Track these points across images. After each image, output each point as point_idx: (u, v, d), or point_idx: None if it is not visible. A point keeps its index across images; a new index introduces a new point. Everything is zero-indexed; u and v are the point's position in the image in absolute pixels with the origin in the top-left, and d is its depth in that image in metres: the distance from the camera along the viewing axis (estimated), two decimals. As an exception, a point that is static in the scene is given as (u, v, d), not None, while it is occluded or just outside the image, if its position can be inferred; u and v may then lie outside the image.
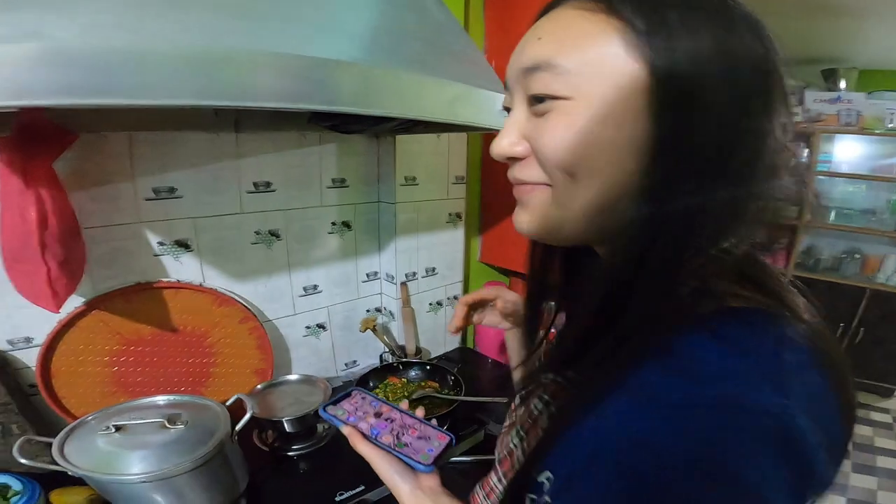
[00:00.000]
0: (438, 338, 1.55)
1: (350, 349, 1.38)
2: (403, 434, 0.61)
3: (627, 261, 0.34)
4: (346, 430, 0.60)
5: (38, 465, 0.66)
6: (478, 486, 0.58)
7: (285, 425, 0.95)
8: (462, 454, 1.01)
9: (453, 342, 1.61)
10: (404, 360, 1.25)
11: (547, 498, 0.33)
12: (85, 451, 0.66)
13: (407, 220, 1.32)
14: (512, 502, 0.40)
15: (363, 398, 0.67)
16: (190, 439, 0.68)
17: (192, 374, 1.01)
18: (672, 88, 0.32)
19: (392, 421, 0.64)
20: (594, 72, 0.33)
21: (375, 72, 0.56)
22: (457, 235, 1.48)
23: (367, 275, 1.36)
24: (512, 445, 0.48)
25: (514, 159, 0.40)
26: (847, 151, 3.23)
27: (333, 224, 1.24)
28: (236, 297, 1.07)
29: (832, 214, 3.25)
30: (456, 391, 1.12)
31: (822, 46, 2.91)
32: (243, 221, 1.07)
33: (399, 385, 1.16)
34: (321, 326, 1.28)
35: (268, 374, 1.09)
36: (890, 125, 2.94)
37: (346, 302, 1.32)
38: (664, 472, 0.26)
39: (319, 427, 1.05)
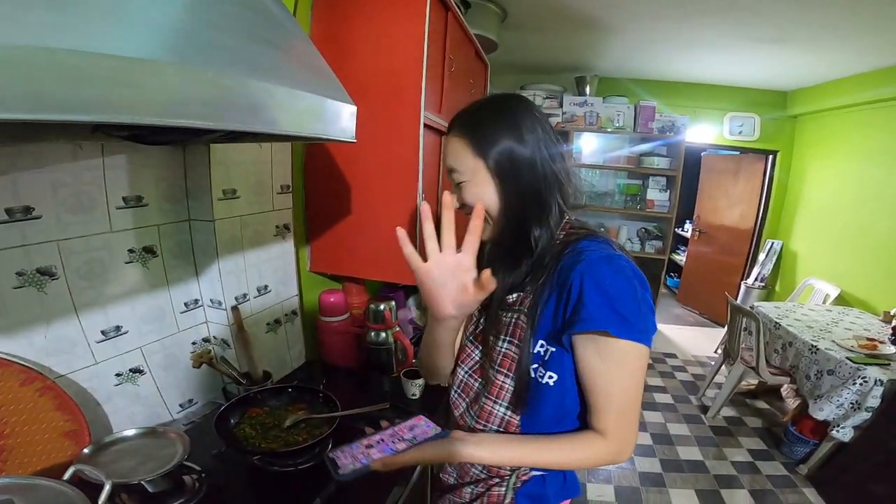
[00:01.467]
0: (283, 357, 1.48)
1: (182, 389, 1.21)
2: (404, 436, 0.72)
3: (513, 235, 0.77)
4: (376, 465, 0.67)
5: None
6: (483, 400, 0.80)
7: (146, 486, 0.81)
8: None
9: (299, 360, 1.55)
10: (261, 388, 1.16)
11: (551, 349, 0.72)
12: None
13: (230, 238, 1.22)
14: (524, 381, 0.74)
15: (341, 451, 0.70)
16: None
17: (-30, 455, 0.77)
18: (495, 169, 0.74)
19: (383, 441, 0.72)
20: (469, 169, 0.76)
21: (225, 81, 0.52)
22: (287, 248, 1.43)
23: (186, 304, 1.21)
24: (504, 350, 0.78)
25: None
26: (589, 145, 4.15)
27: (131, 252, 1.06)
28: (5, 357, 0.84)
29: (584, 198, 4.15)
30: (330, 407, 1.09)
31: (578, 57, 3.65)
32: (-6, 261, 0.83)
33: (263, 415, 1.08)
34: (137, 371, 1.09)
35: (83, 436, 0.89)
36: (617, 124, 3.89)
37: (163, 339, 1.15)
38: (603, 280, 0.67)
39: (188, 479, 0.92)
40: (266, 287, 1.37)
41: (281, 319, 1.44)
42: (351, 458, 0.67)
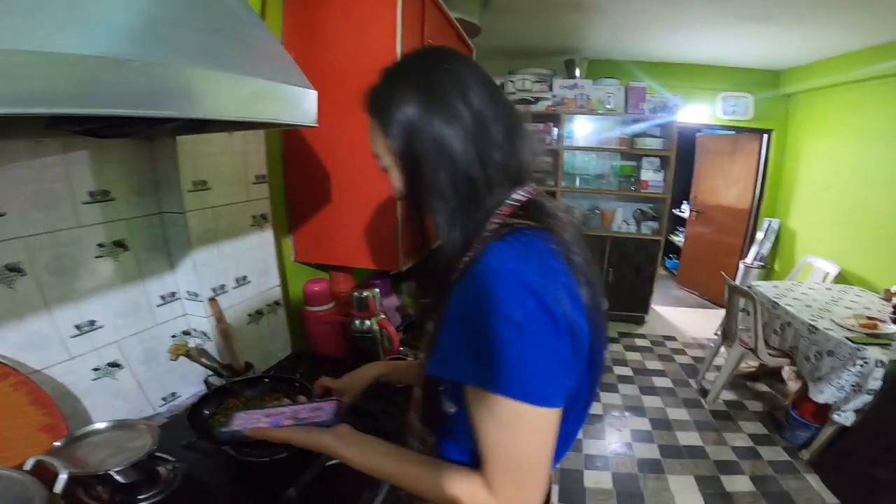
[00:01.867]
0: (268, 348, 1.48)
1: (164, 382, 1.21)
2: (300, 415, 0.71)
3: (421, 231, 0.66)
4: (249, 432, 0.67)
5: None
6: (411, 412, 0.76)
7: (117, 477, 0.82)
8: None
9: (286, 350, 1.55)
10: (236, 378, 1.16)
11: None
12: None
13: (203, 230, 1.21)
14: (428, 400, 0.67)
15: (247, 414, 0.72)
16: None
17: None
18: (395, 149, 0.62)
19: (283, 413, 0.72)
20: (384, 153, 0.65)
21: (156, 69, 0.51)
22: (265, 238, 1.42)
23: (163, 297, 1.21)
24: (421, 360, 0.72)
25: None
26: (582, 129, 4.12)
27: (101, 246, 1.05)
28: (-23, 353, 0.85)
29: (577, 180, 4.12)
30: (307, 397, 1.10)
31: (566, 39, 3.62)
32: (-41, 259, 0.83)
33: (241, 405, 1.09)
34: (115, 365, 1.09)
35: (60, 429, 0.90)
36: (609, 106, 3.86)
37: (140, 332, 1.15)
38: (470, 308, 0.52)
39: (162, 470, 0.93)
40: (245, 278, 1.36)
41: (263, 310, 1.44)
42: (244, 422, 0.69)
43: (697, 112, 4.32)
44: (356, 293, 1.47)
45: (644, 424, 2.78)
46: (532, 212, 0.60)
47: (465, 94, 0.58)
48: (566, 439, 0.64)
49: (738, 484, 2.26)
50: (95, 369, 1.06)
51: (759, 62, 3.97)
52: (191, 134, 1.08)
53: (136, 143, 1.09)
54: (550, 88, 3.90)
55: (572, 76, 3.95)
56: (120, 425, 0.93)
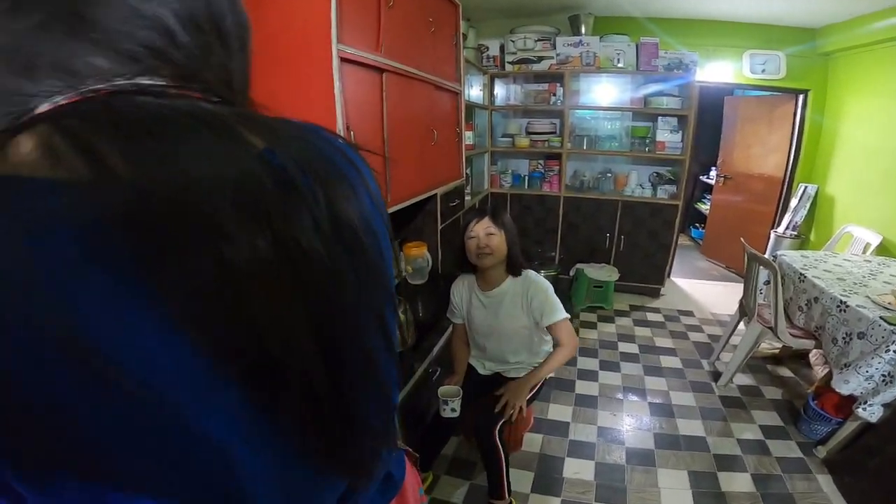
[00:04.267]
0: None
1: None
2: None
3: None
4: None
5: None
6: None
7: None
8: None
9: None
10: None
11: None
12: None
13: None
14: None
15: None
16: None
17: None
18: None
19: None
20: None
21: None
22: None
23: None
24: None
25: None
26: (590, 88, 3.63)
27: None
28: None
29: (585, 142, 3.64)
30: None
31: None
32: None
33: None
34: None
35: None
36: (619, 64, 3.35)
37: None
38: None
39: None
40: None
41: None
42: None
43: (721, 70, 3.69)
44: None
45: (643, 409, 2.41)
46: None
47: None
48: None
49: (737, 483, 1.88)
50: None
51: (791, 19, 3.33)
52: None
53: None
54: (554, 47, 3.43)
55: (577, 33, 3.45)
56: None
